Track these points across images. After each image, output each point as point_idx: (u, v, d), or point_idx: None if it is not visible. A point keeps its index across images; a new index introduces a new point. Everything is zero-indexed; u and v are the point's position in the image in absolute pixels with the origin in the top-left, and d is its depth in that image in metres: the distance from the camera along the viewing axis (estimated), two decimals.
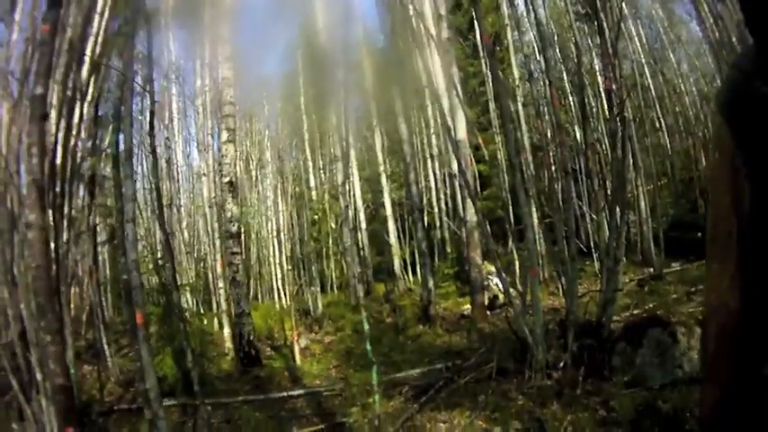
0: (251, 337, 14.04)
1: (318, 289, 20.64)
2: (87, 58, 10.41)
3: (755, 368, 1.41)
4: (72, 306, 14.21)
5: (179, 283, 17.89)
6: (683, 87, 23.28)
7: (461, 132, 15.41)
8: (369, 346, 9.50)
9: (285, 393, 11.55)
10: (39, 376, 8.01)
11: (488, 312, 15.09)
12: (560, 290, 11.88)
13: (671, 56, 24.13)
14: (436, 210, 24.47)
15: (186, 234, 22.21)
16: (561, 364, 8.42)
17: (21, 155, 8.37)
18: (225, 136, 14.72)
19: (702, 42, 20.61)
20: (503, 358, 9.41)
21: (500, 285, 12.63)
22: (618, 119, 9.64)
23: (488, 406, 8.26)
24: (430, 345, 13.64)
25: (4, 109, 10.00)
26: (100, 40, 10.67)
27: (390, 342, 14.44)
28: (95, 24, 10.62)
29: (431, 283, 16.64)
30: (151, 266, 15.97)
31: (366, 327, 10.07)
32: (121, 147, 8.49)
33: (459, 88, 15.80)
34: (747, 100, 1.41)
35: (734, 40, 16.01)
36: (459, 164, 12.48)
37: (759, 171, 1.40)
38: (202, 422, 8.70)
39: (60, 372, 7.07)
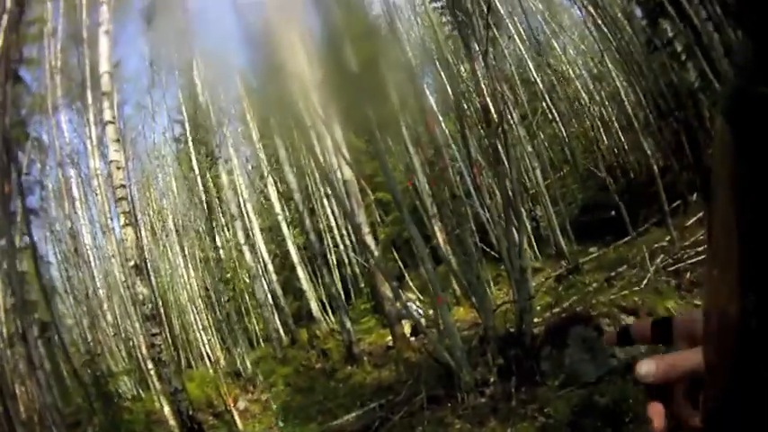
0: (190, 412, 13.92)
1: (245, 346, 20.50)
2: None
3: (757, 370, 1.47)
4: (23, 408, 14.08)
5: (117, 371, 17.85)
6: (571, 73, 23.60)
7: (347, 173, 15.38)
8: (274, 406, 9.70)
9: None
10: None
11: (412, 339, 15.16)
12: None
13: (555, 44, 24.55)
14: (342, 247, 24.59)
15: (110, 317, 21.95)
16: (490, 380, 8.45)
17: None
18: (122, 220, 14.66)
19: (586, 23, 20.79)
20: (431, 386, 9.48)
21: (419, 311, 12.75)
22: (497, 132, 9.66)
23: None
24: (361, 384, 13.65)
25: None
26: None
27: (322, 389, 14.43)
28: None
29: (348, 324, 16.61)
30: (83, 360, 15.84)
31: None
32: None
33: (338, 128, 16.06)
34: (750, 102, 1.48)
35: (618, 14, 16.26)
36: (350, 207, 12.60)
37: (762, 175, 1.46)
38: None
39: None
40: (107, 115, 14.67)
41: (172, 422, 14.86)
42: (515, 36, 22.78)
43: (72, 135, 21.12)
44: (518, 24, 23.68)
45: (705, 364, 1.90)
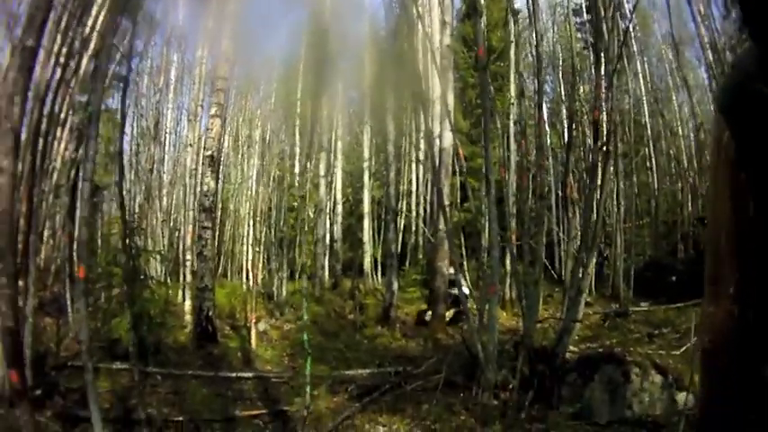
0: (210, 314, 13.92)
1: (286, 275, 20.50)
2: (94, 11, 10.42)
3: (754, 369, 1.45)
4: (42, 257, 14.13)
5: (147, 249, 17.84)
6: (680, 131, 23.07)
7: (446, 141, 15.32)
8: (306, 337, 9.92)
9: (235, 374, 11.56)
10: None
11: (448, 324, 15.07)
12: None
13: (674, 98, 24.01)
14: (414, 214, 24.50)
15: (165, 201, 22.06)
16: (510, 386, 8.33)
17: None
18: (213, 110, 14.70)
19: (707, 90, 20.49)
20: (453, 371, 9.40)
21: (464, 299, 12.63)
22: (601, 150, 9.59)
23: (430, 416, 8.26)
24: (385, 347, 13.68)
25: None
26: None
27: (347, 339, 14.45)
28: None
29: (395, 286, 16.62)
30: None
31: (305, 317, 10.17)
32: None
33: (452, 97, 15.83)
34: (748, 101, 1.44)
35: None
36: (439, 172, 12.47)
37: (760, 172, 1.43)
38: (149, 390, 8.63)
39: (11, 315, 7.05)
40: (230, 11, 14.66)
41: (188, 317, 14.94)
42: (640, 76, 22.40)
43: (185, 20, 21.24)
44: (645, 65, 23.32)
45: (702, 364, 1.87)
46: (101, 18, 11.28)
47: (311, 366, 9.42)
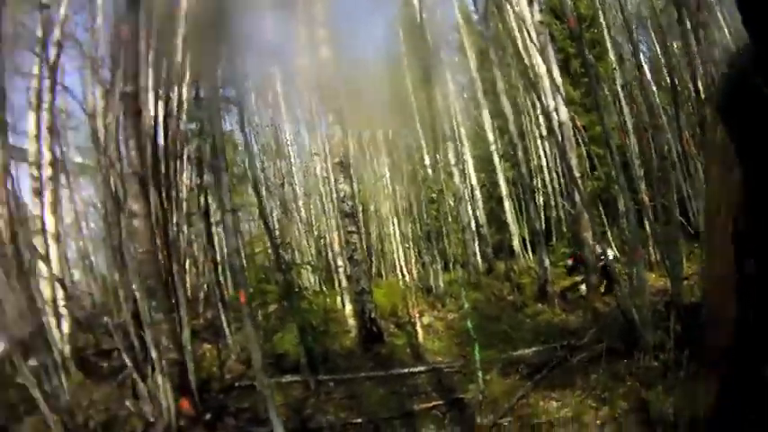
0: (372, 315, 14.17)
1: (440, 266, 20.48)
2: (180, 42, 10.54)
3: (755, 368, 1.45)
4: (188, 285, 14.49)
5: (298, 262, 18.13)
6: None
7: (563, 115, 15.09)
8: (470, 325, 10.53)
9: (407, 370, 11.82)
10: (153, 354, 8.13)
11: (603, 293, 14.81)
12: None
13: None
14: (550, 189, 24.22)
15: (303, 212, 22.40)
16: (666, 347, 8.38)
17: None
18: (331, 117, 14.87)
19: None
20: (613, 339, 9.50)
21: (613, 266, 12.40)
22: (706, 103, 9.40)
23: (599, 386, 8.47)
24: (547, 323, 13.72)
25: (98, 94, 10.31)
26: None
27: (509, 320, 14.48)
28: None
29: (547, 262, 16.53)
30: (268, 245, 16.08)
31: (466, 305, 10.24)
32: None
33: (557, 70, 15.95)
34: (745, 98, 1.45)
35: None
36: (563, 146, 12.31)
37: (755, 169, 1.41)
38: (324, 397, 8.76)
39: (174, 347, 7.21)
40: (319, 17, 14.76)
41: (351, 322, 15.23)
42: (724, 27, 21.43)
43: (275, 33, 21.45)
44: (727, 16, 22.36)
45: (705, 363, 1.96)
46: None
47: (480, 352, 9.39)
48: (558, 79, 15.62)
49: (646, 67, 17.91)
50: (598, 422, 7.80)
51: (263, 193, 21.52)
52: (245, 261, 20.21)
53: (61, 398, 8.67)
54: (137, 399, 9.51)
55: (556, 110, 14.87)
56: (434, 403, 9.80)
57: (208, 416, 9.05)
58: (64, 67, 15.92)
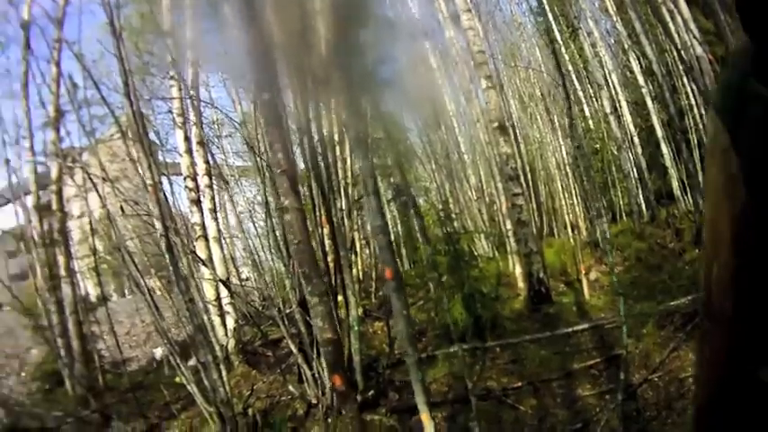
0: (540, 276, 14.17)
1: (608, 219, 20.25)
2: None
3: (750, 371, 1.40)
4: (360, 266, 15.13)
5: (470, 230, 18.43)
6: None
7: (697, 49, 14.78)
8: (614, 279, 10.81)
9: (570, 329, 11.72)
10: (319, 338, 8.77)
11: None
12: None
13: None
14: (701, 127, 22.95)
15: (473, 180, 22.66)
16: None
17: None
18: (484, 84, 15.05)
19: None
20: None
21: None
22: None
23: None
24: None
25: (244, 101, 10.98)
26: None
27: (670, 269, 14.12)
28: None
29: (702, 205, 15.66)
30: (437, 218, 16.46)
31: (610, 259, 10.12)
32: None
33: (683, 3, 15.31)
34: (745, 100, 1.37)
35: None
36: (703, 81, 12.03)
37: (757, 175, 1.36)
38: (489, 364, 9.00)
39: (328, 327, 7.74)
40: None
41: (521, 285, 15.23)
42: None
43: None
44: None
45: (699, 365, 1.74)
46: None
47: (638, 306, 9.46)
48: (686, 13, 15.33)
49: None
50: None
51: (432, 166, 21.97)
52: (418, 235, 20.94)
53: (218, 391, 9.31)
54: (301, 384, 10.20)
55: (691, 45, 14.69)
56: (592, 362, 9.82)
57: (371, 393, 9.28)
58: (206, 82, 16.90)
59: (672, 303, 10.88)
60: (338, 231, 9.77)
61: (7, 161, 15.92)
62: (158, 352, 17.02)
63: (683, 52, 19.70)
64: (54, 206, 15.63)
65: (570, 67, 23.58)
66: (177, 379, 11.51)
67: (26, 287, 19.54)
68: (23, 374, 18.39)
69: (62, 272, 15.30)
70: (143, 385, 14.35)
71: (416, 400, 6.19)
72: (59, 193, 15.73)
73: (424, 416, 6.23)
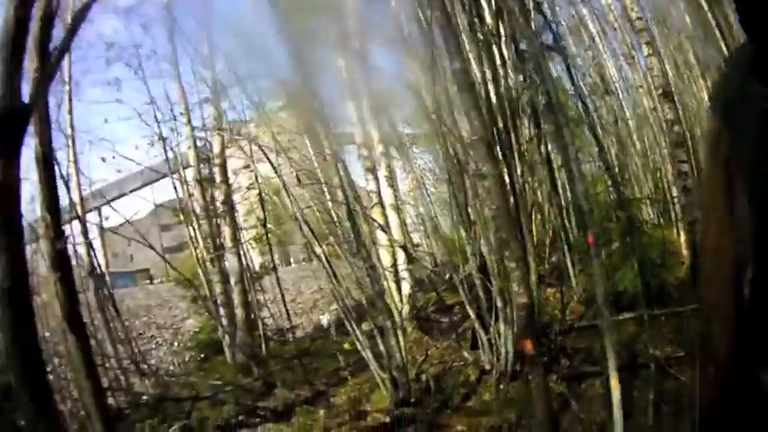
0: None
1: None
2: None
3: (753, 373, 1.43)
4: (535, 232, 15.08)
5: (636, 197, 18.18)
6: None
7: None
8: None
9: None
10: (499, 304, 8.83)
11: None
12: None
13: None
14: None
15: (638, 146, 22.28)
16: None
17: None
18: (646, 50, 14.88)
19: None
20: None
21: None
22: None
23: None
24: None
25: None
26: None
27: None
28: None
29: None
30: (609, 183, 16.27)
31: None
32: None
33: None
34: (744, 101, 1.42)
35: None
36: None
37: (756, 177, 1.40)
38: (655, 332, 8.91)
39: (524, 292, 7.81)
40: None
41: (685, 253, 14.90)
42: None
43: None
44: None
45: (701, 368, 1.74)
46: None
47: None
48: None
49: None
50: None
51: (599, 132, 21.68)
52: (588, 202, 20.69)
53: (393, 356, 9.39)
54: (474, 349, 10.24)
55: None
56: None
57: (544, 358, 9.21)
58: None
59: None
60: (520, 196, 9.79)
61: (162, 138, 16.38)
62: (324, 319, 17.35)
63: None
64: (218, 179, 16.06)
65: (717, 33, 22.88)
66: (346, 345, 11.66)
67: (181, 259, 20.21)
68: (176, 345, 18.98)
69: (227, 242, 15.72)
70: (309, 352, 14.56)
71: (607, 364, 6.21)
72: (223, 165, 16.16)
73: (614, 381, 6.25)
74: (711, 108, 1.60)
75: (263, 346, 15.21)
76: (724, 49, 22.23)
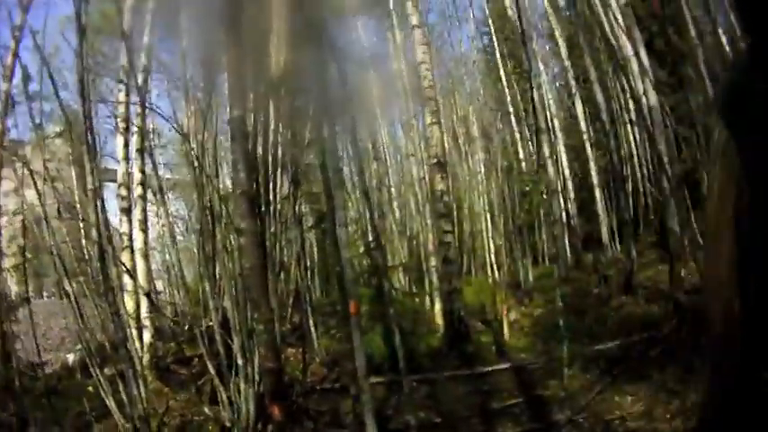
0: (461, 314, 14.18)
1: (530, 261, 20.68)
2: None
3: (757, 372, 1.43)
4: (278, 292, 15.10)
5: (390, 264, 18.50)
6: None
7: (652, 98, 14.71)
8: (561, 323, 10.50)
9: (490, 368, 11.90)
10: (240, 361, 8.71)
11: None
12: None
13: None
14: (639, 176, 23.44)
15: (397, 213, 22.78)
16: None
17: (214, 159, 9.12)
18: (429, 119, 15.21)
19: None
20: (693, 330, 9.14)
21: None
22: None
23: (673, 379, 8.31)
24: (629, 315, 13.24)
25: (190, 113, 10.90)
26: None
27: (595, 313, 14.25)
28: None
29: (633, 253, 16.24)
30: (362, 250, 16.49)
31: (559, 302, 10.32)
32: None
33: (644, 52, 15.61)
34: (747, 100, 1.41)
35: None
36: (652, 132, 12.30)
37: (759, 173, 1.40)
38: (406, 398, 9.09)
39: (271, 357, 7.71)
40: (414, 20, 15.17)
41: (439, 321, 15.33)
42: None
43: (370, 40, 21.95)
44: None
45: (707, 366, 1.85)
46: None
47: (564, 348, 9.70)
48: (646, 62, 15.46)
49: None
50: (668, 416, 7.72)
51: (359, 196, 22.03)
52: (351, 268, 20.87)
53: (135, 405, 9.16)
54: (214, 405, 10.11)
55: (645, 93, 14.76)
56: (514, 401, 9.86)
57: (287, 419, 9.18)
58: (151, 90, 16.75)
59: (597, 347, 11.17)
60: (269, 255, 9.75)
61: None
62: (71, 357, 16.62)
63: (630, 102, 20.24)
64: None
65: (510, 108, 23.95)
66: (90, 388, 11.23)
67: None
68: None
69: None
70: (58, 391, 13.93)
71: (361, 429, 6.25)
72: None
73: None
74: (714, 107, 1.58)
75: (17, 379, 14.36)
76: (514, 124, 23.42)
